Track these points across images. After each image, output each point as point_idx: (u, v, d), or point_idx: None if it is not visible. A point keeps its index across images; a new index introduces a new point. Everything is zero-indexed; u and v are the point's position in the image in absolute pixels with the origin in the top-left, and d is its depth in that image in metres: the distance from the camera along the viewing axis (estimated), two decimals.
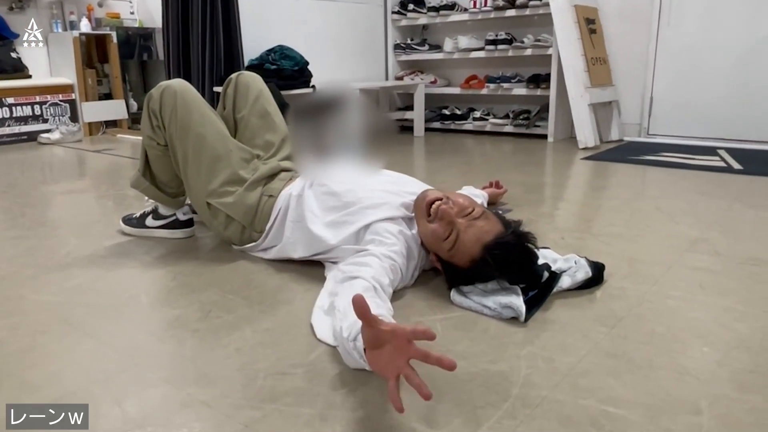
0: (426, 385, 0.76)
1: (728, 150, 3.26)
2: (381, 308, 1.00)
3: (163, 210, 1.76)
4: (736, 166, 2.84)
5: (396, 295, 1.27)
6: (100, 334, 1.16)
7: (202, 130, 1.53)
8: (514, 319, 1.17)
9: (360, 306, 0.79)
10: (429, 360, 0.77)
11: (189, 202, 1.72)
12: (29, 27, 4.26)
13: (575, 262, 1.36)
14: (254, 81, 1.72)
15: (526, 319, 1.16)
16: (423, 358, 0.77)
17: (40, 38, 4.31)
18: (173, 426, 0.85)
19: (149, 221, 1.77)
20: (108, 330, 1.17)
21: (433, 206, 1.28)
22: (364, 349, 0.88)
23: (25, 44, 4.25)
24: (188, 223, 1.78)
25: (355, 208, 1.36)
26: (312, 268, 1.44)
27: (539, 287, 1.26)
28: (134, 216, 1.81)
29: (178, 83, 1.55)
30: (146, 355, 1.07)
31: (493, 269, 1.20)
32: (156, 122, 1.56)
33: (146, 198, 1.76)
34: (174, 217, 1.76)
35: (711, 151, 3.26)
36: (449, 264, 1.28)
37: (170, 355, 1.08)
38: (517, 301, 1.17)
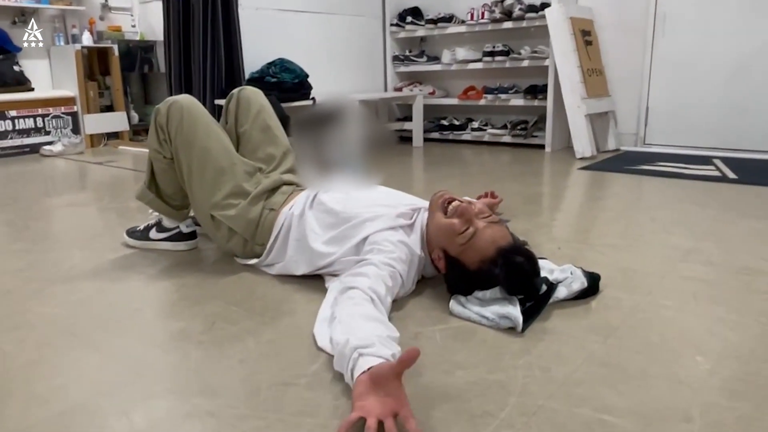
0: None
1: (723, 159, 3.30)
2: (390, 346, 0.96)
3: (166, 222, 1.79)
4: (731, 175, 2.87)
5: (396, 306, 1.30)
6: (106, 346, 1.18)
7: (207, 143, 1.56)
8: (511, 330, 1.19)
9: (412, 358, 0.84)
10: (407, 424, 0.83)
11: (192, 214, 1.75)
12: (29, 27, 4.29)
13: (571, 273, 1.39)
14: (255, 96, 1.75)
15: (524, 330, 1.18)
16: (405, 420, 0.83)
17: (40, 38, 4.35)
18: None
19: (153, 234, 1.80)
20: (113, 342, 1.20)
21: (453, 204, 1.32)
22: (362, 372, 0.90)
23: (25, 44, 4.29)
24: (191, 236, 1.81)
25: (354, 222, 1.39)
26: (314, 279, 1.47)
27: (536, 298, 1.29)
28: (138, 228, 1.84)
29: (185, 99, 1.59)
30: (151, 366, 1.10)
31: (500, 274, 1.22)
32: (163, 136, 1.59)
33: (150, 210, 1.79)
34: (177, 230, 1.79)
35: (706, 160, 3.29)
36: (455, 261, 1.30)
37: (175, 366, 1.10)
38: (515, 312, 1.20)
